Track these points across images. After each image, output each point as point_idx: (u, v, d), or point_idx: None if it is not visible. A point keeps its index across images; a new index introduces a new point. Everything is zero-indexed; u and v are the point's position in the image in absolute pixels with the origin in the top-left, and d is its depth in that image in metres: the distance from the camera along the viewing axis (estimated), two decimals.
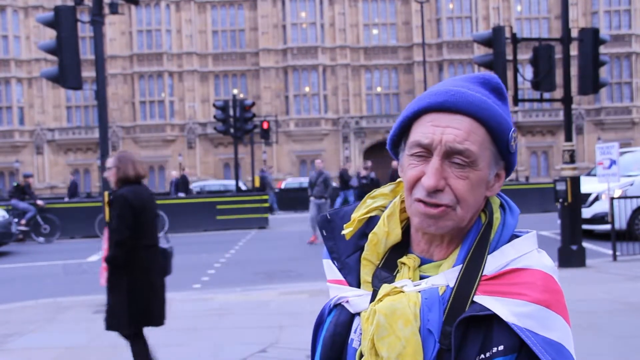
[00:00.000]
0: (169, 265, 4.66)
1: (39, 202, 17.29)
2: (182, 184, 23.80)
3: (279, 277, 9.89)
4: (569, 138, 9.77)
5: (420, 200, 1.04)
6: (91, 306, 7.65)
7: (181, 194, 22.97)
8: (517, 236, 1.07)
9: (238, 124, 19.69)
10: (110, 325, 4.35)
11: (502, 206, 1.11)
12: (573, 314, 1.12)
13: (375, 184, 18.68)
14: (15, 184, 18.18)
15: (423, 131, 1.05)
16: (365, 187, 18.54)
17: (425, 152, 1.04)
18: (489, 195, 1.09)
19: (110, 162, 4.42)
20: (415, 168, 1.05)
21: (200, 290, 9.02)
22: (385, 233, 1.11)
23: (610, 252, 9.89)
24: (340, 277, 1.14)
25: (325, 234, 1.17)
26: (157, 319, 4.43)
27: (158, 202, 18.62)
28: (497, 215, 1.09)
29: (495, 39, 9.47)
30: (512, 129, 1.07)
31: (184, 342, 5.98)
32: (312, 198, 13.96)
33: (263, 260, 11.81)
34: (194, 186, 31.51)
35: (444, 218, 1.03)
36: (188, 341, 6.02)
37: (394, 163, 21.16)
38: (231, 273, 10.46)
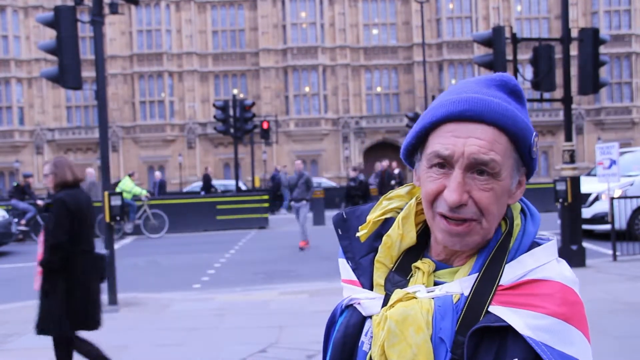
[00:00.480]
0: (105, 270, 4.64)
1: (39, 202, 17.28)
2: (205, 181, 24.25)
3: (279, 277, 9.89)
4: (569, 138, 9.77)
5: (443, 216, 1.01)
6: None
7: (202, 192, 23.67)
8: (537, 243, 1.04)
9: (238, 124, 19.68)
10: (44, 329, 4.28)
11: (522, 211, 1.08)
12: None
13: (364, 186, 18.54)
14: (15, 184, 18.16)
15: (442, 142, 1.00)
16: (352, 190, 18.34)
17: (445, 163, 1.00)
18: (510, 203, 1.06)
19: (46, 169, 4.42)
20: (435, 181, 1.01)
21: (200, 290, 9.02)
22: (400, 236, 1.08)
23: (610, 252, 9.89)
24: (353, 277, 1.11)
25: (340, 232, 1.15)
26: (93, 323, 4.42)
27: (159, 201, 18.43)
28: (517, 221, 1.06)
29: (495, 39, 9.46)
30: (534, 134, 1.04)
31: (184, 342, 5.98)
32: (292, 202, 13.45)
33: (263, 260, 11.80)
34: (193, 186, 31.55)
35: (470, 234, 1.00)
36: (188, 341, 6.02)
37: (377, 164, 21.27)
38: (231, 273, 10.46)
